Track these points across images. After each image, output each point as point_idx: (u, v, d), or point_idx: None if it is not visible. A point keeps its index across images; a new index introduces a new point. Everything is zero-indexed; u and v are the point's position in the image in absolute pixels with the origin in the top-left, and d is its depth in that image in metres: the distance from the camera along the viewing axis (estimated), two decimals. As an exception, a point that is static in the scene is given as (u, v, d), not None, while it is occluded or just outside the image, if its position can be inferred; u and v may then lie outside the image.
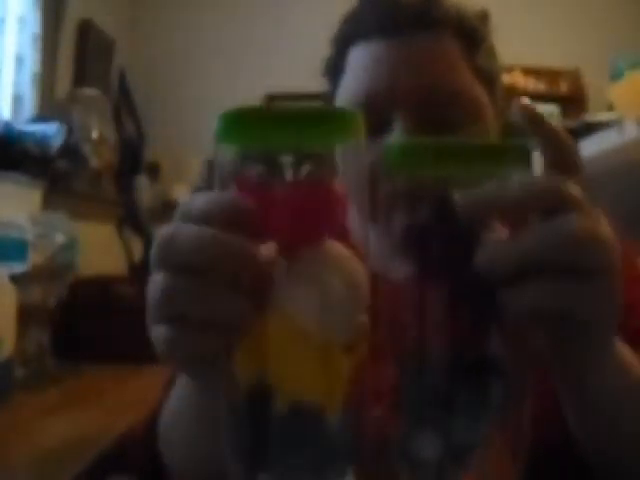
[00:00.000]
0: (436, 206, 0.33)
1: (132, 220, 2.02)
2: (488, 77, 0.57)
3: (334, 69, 0.60)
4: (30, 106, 2.02)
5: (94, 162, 1.98)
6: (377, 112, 0.53)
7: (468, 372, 0.32)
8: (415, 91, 0.53)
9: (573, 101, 2.92)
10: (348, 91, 0.57)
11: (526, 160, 0.33)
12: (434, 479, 0.32)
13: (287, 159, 0.30)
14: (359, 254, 0.32)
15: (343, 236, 0.32)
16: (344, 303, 0.30)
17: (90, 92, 2.18)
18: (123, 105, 2.73)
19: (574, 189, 0.33)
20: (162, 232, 0.32)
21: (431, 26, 0.55)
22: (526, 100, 0.48)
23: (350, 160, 0.31)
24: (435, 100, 0.53)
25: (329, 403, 0.31)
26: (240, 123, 0.30)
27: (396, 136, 0.52)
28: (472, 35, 0.57)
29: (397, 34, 0.55)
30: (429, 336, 0.32)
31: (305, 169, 0.30)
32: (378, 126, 0.53)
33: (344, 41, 0.59)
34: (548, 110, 2.82)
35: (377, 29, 0.56)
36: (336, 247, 0.31)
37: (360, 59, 0.56)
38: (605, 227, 0.33)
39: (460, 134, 0.53)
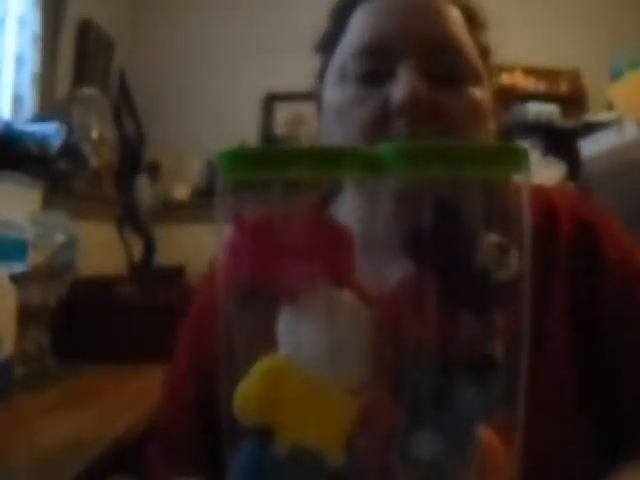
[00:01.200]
0: (435, 207, 0.33)
1: (132, 220, 2.02)
2: (486, 55, 0.57)
3: (335, 35, 0.58)
4: (30, 106, 2.01)
5: (94, 162, 1.98)
6: (381, 58, 0.52)
7: (467, 371, 0.32)
8: (424, 41, 0.52)
9: (573, 101, 2.92)
10: (352, 39, 0.55)
11: (524, 162, 0.32)
12: (434, 479, 0.32)
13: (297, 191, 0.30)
14: (364, 294, 0.32)
15: (347, 273, 0.31)
16: (350, 347, 0.30)
17: (90, 92, 2.18)
18: (123, 105, 2.72)
19: None
20: None
21: None
22: None
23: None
24: (442, 52, 0.53)
25: (330, 448, 0.31)
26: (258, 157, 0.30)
27: (400, 85, 0.50)
28: (474, 15, 0.57)
29: None
30: (429, 336, 0.32)
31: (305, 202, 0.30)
32: (381, 72, 0.52)
33: (349, 4, 0.57)
34: (548, 110, 2.82)
35: None
36: (342, 290, 0.31)
37: (367, 11, 0.55)
38: None
39: (461, 89, 0.52)
